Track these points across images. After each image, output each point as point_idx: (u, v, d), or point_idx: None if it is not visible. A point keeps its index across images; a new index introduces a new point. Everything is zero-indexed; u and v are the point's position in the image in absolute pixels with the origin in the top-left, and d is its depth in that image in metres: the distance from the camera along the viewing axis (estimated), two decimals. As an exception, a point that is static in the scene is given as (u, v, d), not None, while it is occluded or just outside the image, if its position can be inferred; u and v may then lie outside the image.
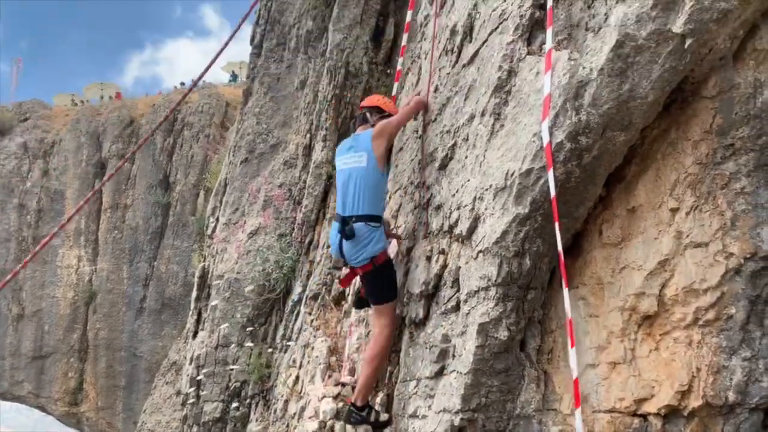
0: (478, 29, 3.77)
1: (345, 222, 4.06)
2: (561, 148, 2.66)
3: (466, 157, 3.51)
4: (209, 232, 10.25)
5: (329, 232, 4.53)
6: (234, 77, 32.63)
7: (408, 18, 5.88)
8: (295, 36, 9.44)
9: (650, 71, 2.45)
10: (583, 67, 2.65)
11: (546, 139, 2.69)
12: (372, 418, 4.06)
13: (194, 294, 9.80)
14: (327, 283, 6.61)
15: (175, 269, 21.89)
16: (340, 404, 4.62)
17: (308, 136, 8.46)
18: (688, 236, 2.47)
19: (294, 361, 6.45)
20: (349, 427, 4.18)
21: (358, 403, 4.06)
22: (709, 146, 2.42)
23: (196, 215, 20.09)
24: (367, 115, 4.50)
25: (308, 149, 8.43)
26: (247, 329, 8.04)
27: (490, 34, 3.50)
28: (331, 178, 7.53)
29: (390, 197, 5.07)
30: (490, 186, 3.07)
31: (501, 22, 3.40)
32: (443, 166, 3.90)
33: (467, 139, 3.52)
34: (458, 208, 3.46)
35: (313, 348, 5.92)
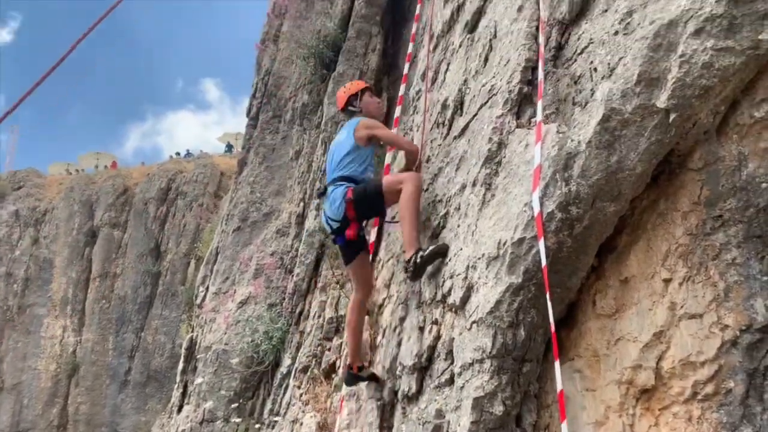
0: (468, 103, 3.89)
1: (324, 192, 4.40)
2: (552, 218, 2.69)
3: (458, 226, 3.53)
4: (198, 301, 10.11)
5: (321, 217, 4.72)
6: (229, 148, 33.23)
7: (401, 92, 6.07)
8: (291, 108, 9.69)
9: (637, 144, 2.51)
10: (572, 140, 2.72)
11: (537, 209, 2.72)
12: (419, 257, 3.80)
13: (180, 366, 9.54)
14: (317, 354, 6.46)
15: (163, 340, 21.45)
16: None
17: (301, 204, 8.52)
18: (682, 307, 2.45)
19: (281, 438, 6.20)
20: None
21: (407, 257, 3.88)
22: (699, 217, 2.45)
23: (185, 285, 19.89)
24: (351, 108, 4.73)
25: (301, 218, 8.46)
26: (234, 404, 7.77)
27: (480, 107, 3.61)
28: (323, 246, 7.51)
29: (383, 266, 5.04)
30: (483, 255, 3.07)
31: (490, 97, 3.51)
32: (435, 235, 3.91)
33: (459, 209, 3.55)
34: (451, 277, 3.44)
35: (301, 424, 5.72)
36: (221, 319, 8.47)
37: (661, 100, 2.41)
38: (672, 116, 2.40)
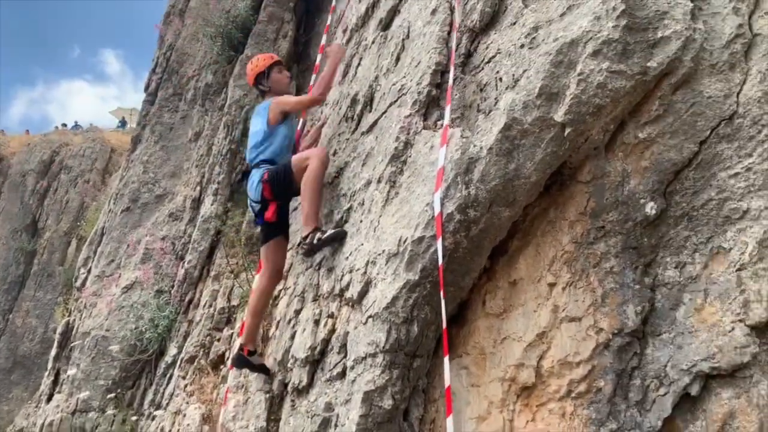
0: (378, 100, 3.91)
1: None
2: (451, 219, 2.76)
3: (361, 221, 3.54)
4: (78, 284, 9.44)
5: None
6: (123, 123, 31.29)
7: (312, 81, 5.99)
8: (194, 88, 9.28)
9: (534, 154, 2.64)
10: (474, 145, 2.81)
11: (437, 210, 2.79)
12: (317, 238, 3.85)
13: (53, 352, 8.87)
14: (205, 345, 6.24)
15: (34, 324, 19.78)
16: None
17: (198, 188, 8.19)
18: (564, 310, 2.61)
19: (162, 430, 5.93)
20: None
21: (304, 233, 3.93)
22: (584, 227, 2.61)
23: (64, 265, 18.51)
24: (261, 87, 4.74)
25: (197, 202, 8.13)
26: (111, 393, 7.33)
27: (389, 105, 3.64)
28: (219, 233, 7.27)
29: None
30: (383, 251, 3.10)
31: (400, 96, 3.55)
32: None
33: (363, 204, 3.57)
34: (351, 272, 3.45)
35: (185, 415, 5.50)
36: (103, 304, 7.96)
37: (559, 114, 2.55)
38: (567, 130, 2.55)
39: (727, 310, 2.18)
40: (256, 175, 4.30)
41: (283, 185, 4.20)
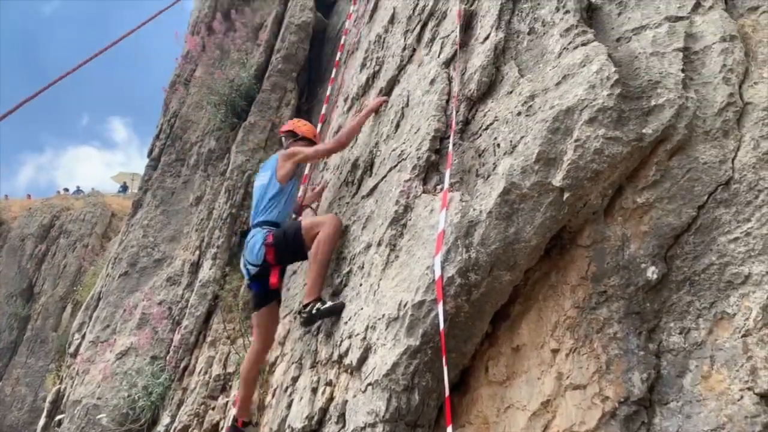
0: (378, 165, 3.97)
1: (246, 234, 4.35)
2: (452, 283, 2.75)
3: (360, 285, 3.52)
4: (72, 350, 9.26)
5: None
6: (124, 188, 31.64)
7: (318, 130, 6.10)
8: (196, 153, 9.44)
9: (533, 218, 2.65)
10: (474, 209, 2.83)
11: (438, 273, 2.78)
12: (316, 309, 3.75)
13: (42, 422, 8.61)
14: (199, 414, 6.06)
15: (24, 392, 19.26)
16: None
17: (197, 252, 8.18)
18: (568, 377, 2.55)
19: (151, 505, 5.67)
20: None
21: (305, 302, 3.84)
22: (586, 291, 2.59)
23: (58, 331, 18.21)
24: (282, 139, 4.79)
25: (195, 267, 8.09)
26: (99, 466, 7.06)
27: (389, 170, 3.69)
28: (217, 298, 7.20)
29: (280, 322, 4.89)
30: (383, 315, 3.06)
31: (400, 161, 3.61)
32: (337, 293, 3.87)
33: (363, 267, 3.56)
34: (350, 337, 3.39)
35: (175, 489, 5.27)
36: (96, 371, 7.78)
37: (557, 179, 2.58)
38: (566, 195, 2.58)
39: (735, 378, 2.13)
40: (258, 237, 4.16)
41: (289, 250, 4.11)
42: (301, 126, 4.84)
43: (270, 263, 4.13)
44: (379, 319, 3.10)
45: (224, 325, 6.58)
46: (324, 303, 3.72)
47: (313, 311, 3.71)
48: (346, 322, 3.54)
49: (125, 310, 8.31)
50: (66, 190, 32.26)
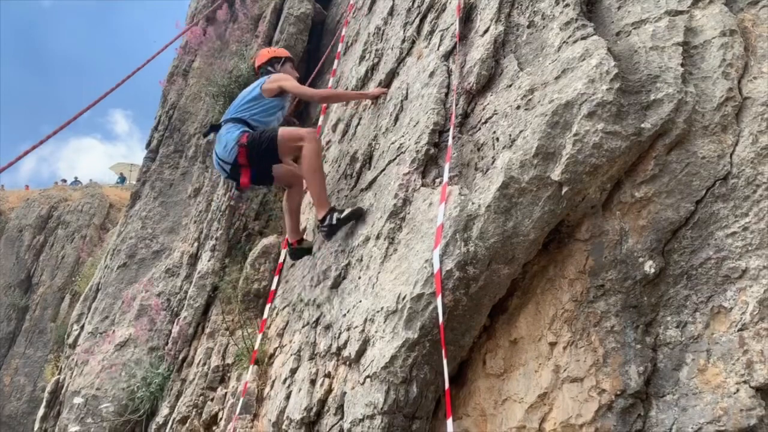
0: (377, 158, 3.97)
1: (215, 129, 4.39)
2: (450, 276, 2.76)
3: (359, 278, 3.53)
4: (71, 341, 9.28)
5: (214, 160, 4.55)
6: (122, 179, 31.56)
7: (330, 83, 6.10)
8: (195, 145, 9.42)
9: (532, 212, 2.66)
10: (473, 203, 2.83)
11: (437, 266, 2.78)
12: (335, 218, 3.82)
13: (41, 412, 8.62)
14: (198, 405, 6.08)
15: (22, 382, 19.31)
16: None
17: (196, 244, 8.18)
18: (565, 370, 2.57)
19: (150, 495, 5.71)
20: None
21: (320, 216, 3.89)
22: (583, 285, 2.61)
23: (57, 322, 18.21)
24: (270, 69, 4.79)
25: (194, 258, 8.10)
26: (99, 456, 7.09)
27: (388, 163, 3.69)
28: (215, 289, 7.21)
29: (277, 314, 4.91)
30: (382, 308, 3.07)
31: (399, 155, 3.61)
32: (336, 285, 3.88)
33: (361, 260, 3.56)
34: (348, 329, 3.41)
35: (174, 479, 5.30)
36: (95, 362, 7.80)
37: (556, 174, 2.59)
38: (564, 189, 2.58)
39: (731, 371, 2.15)
40: (232, 134, 4.20)
41: (262, 154, 4.13)
42: (278, 51, 4.98)
43: (240, 164, 4.18)
44: (378, 311, 3.12)
45: (223, 316, 6.59)
46: (341, 212, 3.78)
47: (333, 221, 3.77)
48: (344, 315, 3.55)
49: (124, 302, 8.32)
50: (64, 181, 32.19)
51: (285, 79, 4.51)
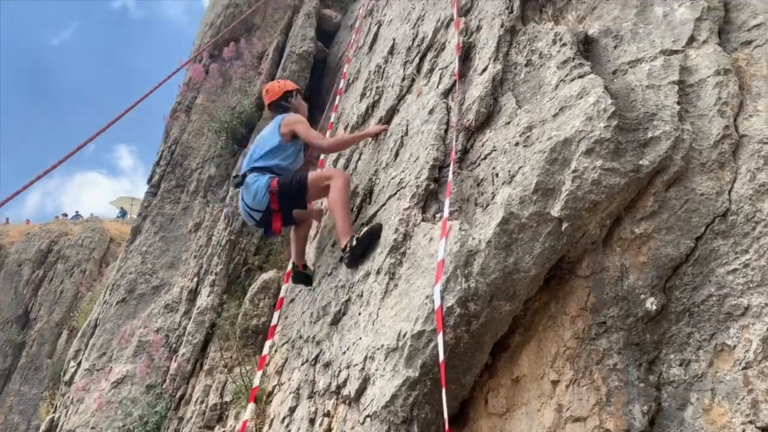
0: (378, 193, 3.99)
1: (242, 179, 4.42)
2: (451, 313, 2.73)
3: (359, 314, 3.51)
4: (67, 378, 9.15)
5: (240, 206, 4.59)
6: (123, 213, 31.64)
7: (328, 105, 6.16)
8: (196, 180, 9.47)
9: (532, 248, 2.66)
10: (473, 238, 2.83)
11: (438, 303, 2.77)
12: (355, 239, 3.76)
13: (34, 451, 8.46)
14: (195, 443, 5.97)
15: (16, 420, 18.95)
16: None
17: (195, 279, 8.14)
18: (568, 410, 2.52)
19: None
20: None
21: (342, 245, 3.85)
22: (585, 322, 2.59)
23: (53, 358, 18.00)
24: (284, 103, 4.84)
25: (193, 293, 8.05)
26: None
27: (388, 198, 3.71)
28: (214, 326, 7.15)
29: (276, 351, 4.86)
30: (382, 345, 3.04)
31: (399, 189, 3.63)
32: (335, 321, 3.85)
33: (362, 296, 3.54)
34: (348, 367, 3.37)
35: None
36: (91, 400, 7.68)
37: (555, 210, 2.60)
38: (564, 225, 2.59)
39: (736, 411, 2.11)
40: (260, 182, 4.25)
41: (292, 198, 4.21)
42: (288, 84, 5.03)
43: (273, 210, 4.25)
44: (378, 349, 3.08)
45: (221, 353, 6.52)
46: (359, 232, 3.78)
47: (353, 243, 3.75)
48: (344, 352, 3.51)
49: (122, 338, 8.24)
50: (65, 215, 32.25)
51: (298, 123, 4.57)
